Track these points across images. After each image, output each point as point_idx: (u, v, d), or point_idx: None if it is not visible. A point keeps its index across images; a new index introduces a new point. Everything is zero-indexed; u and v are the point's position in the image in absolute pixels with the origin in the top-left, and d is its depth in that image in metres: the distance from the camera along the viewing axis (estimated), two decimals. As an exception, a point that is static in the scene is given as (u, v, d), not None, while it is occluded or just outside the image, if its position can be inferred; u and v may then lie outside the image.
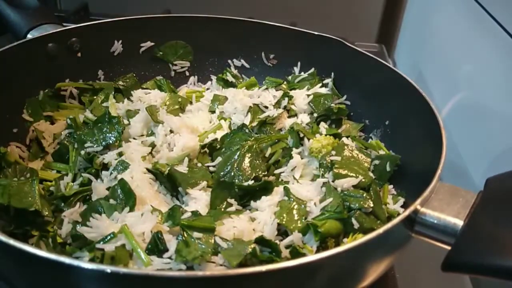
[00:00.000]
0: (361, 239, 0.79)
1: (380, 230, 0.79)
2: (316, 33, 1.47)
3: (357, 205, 1.03)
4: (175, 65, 1.57)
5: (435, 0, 1.96)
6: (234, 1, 2.18)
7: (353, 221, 1.01)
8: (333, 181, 1.10)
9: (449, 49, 1.77)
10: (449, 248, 0.85)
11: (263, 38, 1.54)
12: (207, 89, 1.55)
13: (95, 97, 1.40)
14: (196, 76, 1.59)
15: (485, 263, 0.78)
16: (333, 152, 1.16)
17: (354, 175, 1.11)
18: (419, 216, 0.88)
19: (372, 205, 1.04)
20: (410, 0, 2.18)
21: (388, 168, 1.16)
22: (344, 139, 1.26)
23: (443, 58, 1.81)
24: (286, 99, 1.39)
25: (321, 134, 1.28)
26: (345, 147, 1.17)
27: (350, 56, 1.41)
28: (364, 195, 1.06)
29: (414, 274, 1.21)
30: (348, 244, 0.78)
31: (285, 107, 1.39)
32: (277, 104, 1.38)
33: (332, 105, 1.38)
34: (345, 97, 1.43)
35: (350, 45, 1.42)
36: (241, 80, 1.56)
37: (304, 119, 1.35)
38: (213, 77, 1.58)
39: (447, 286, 1.20)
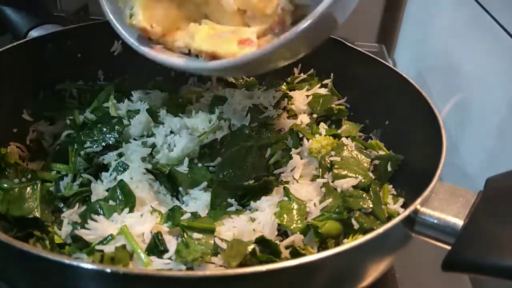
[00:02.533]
0: (361, 239, 0.79)
1: (380, 230, 0.79)
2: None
3: (356, 205, 1.03)
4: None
5: (435, 0, 1.96)
6: (234, 1, 2.17)
7: (353, 221, 1.01)
8: (332, 182, 1.10)
9: (449, 49, 1.77)
10: (449, 248, 0.85)
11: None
12: (207, 89, 1.55)
13: (95, 98, 1.41)
14: (195, 77, 1.58)
15: (486, 262, 0.78)
16: (333, 153, 1.16)
17: (353, 175, 1.11)
18: (419, 216, 0.88)
19: (371, 205, 1.04)
20: (410, 0, 2.18)
21: (389, 168, 1.16)
22: (344, 139, 1.26)
23: (443, 58, 1.81)
24: (286, 99, 1.39)
25: (320, 134, 1.28)
26: (345, 147, 1.17)
27: (350, 56, 1.41)
28: (364, 195, 1.06)
29: (415, 274, 1.21)
30: (348, 244, 0.78)
31: (284, 108, 1.39)
32: (277, 105, 1.38)
33: (333, 105, 1.38)
34: (345, 98, 1.43)
35: (350, 45, 1.42)
36: (241, 81, 1.56)
37: (304, 119, 1.35)
38: (213, 77, 1.58)
39: (447, 286, 1.21)
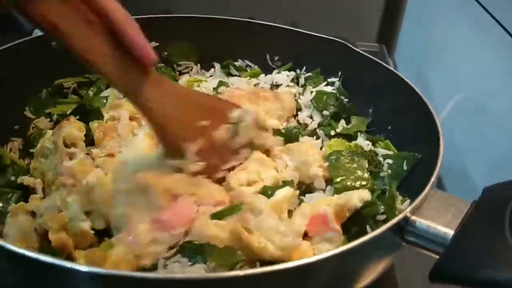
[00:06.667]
0: (346, 245, 0.79)
1: (366, 237, 0.79)
2: (319, 35, 1.48)
3: (370, 214, 1.02)
4: (180, 65, 1.57)
5: (435, 0, 1.95)
6: (234, 0, 2.16)
7: (368, 229, 1.00)
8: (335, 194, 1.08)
9: (449, 49, 1.77)
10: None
11: (268, 39, 1.54)
12: (210, 76, 1.56)
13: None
14: (199, 65, 1.58)
15: (473, 275, 0.77)
16: (326, 164, 1.14)
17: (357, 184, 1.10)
18: (409, 224, 0.87)
19: (383, 212, 1.03)
20: (410, 0, 2.18)
21: (405, 167, 1.14)
22: (360, 140, 1.26)
23: (444, 58, 1.81)
24: (303, 76, 1.45)
25: (336, 131, 1.30)
26: (340, 154, 1.15)
27: (352, 59, 1.42)
28: (377, 202, 1.04)
29: (414, 274, 1.21)
30: (335, 250, 0.78)
31: (303, 85, 1.44)
32: (293, 81, 1.45)
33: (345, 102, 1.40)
34: (351, 103, 1.42)
35: (353, 47, 1.43)
36: (247, 69, 1.58)
37: (316, 118, 1.37)
38: (217, 65, 1.58)
39: (447, 286, 1.20)
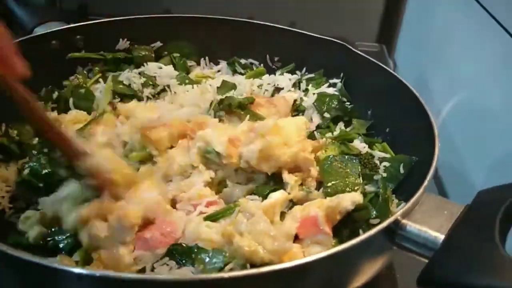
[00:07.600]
0: (336, 247, 0.79)
1: (356, 240, 0.79)
2: (318, 35, 1.48)
3: (362, 218, 1.02)
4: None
5: (435, 0, 1.95)
6: (234, 0, 2.16)
7: (361, 232, 1.00)
8: (326, 197, 1.08)
9: (450, 49, 1.76)
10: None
11: (267, 40, 1.55)
12: (218, 71, 1.57)
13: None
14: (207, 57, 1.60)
15: (460, 281, 0.76)
16: (315, 170, 1.13)
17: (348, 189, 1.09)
18: (400, 228, 0.87)
19: (377, 215, 1.02)
20: (410, 0, 2.18)
21: (402, 170, 1.14)
22: (356, 143, 1.26)
23: (444, 58, 1.80)
24: (305, 81, 1.45)
25: (332, 134, 1.30)
26: (333, 159, 1.14)
27: (351, 60, 1.42)
28: (369, 207, 1.04)
29: (414, 273, 1.20)
30: (324, 252, 0.79)
31: (305, 90, 1.44)
32: (294, 86, 1.45)
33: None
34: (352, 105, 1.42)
35: (352, 48, 1.43)
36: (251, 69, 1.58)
37: (315, 120, 1.37)
38: (223, 62, 1.59)
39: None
